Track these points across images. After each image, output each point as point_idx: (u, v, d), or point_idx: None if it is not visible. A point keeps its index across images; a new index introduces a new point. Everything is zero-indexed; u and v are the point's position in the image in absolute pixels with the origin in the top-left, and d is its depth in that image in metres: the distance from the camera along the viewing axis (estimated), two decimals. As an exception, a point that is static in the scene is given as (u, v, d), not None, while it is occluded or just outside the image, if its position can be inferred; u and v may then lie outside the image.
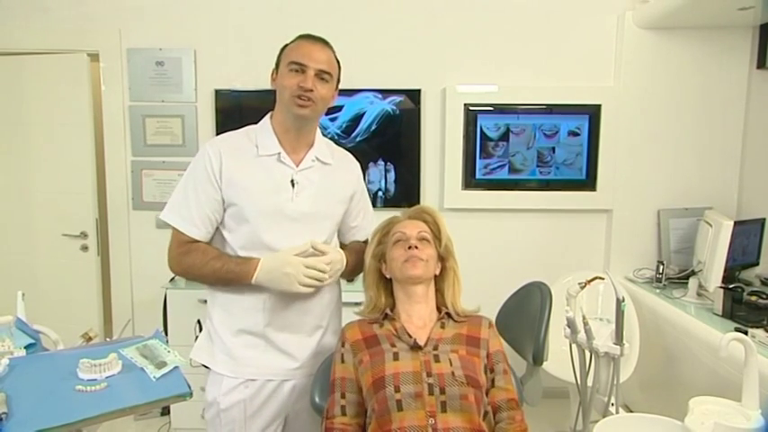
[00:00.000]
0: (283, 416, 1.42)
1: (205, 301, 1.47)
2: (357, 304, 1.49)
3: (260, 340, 1.36)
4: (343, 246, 1.53)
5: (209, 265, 1.32)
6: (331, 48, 1.36)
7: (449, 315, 1.36)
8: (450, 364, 1.23)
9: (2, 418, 0.92)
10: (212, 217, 1.34)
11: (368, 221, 1.55)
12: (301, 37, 1.35)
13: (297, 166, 1.36)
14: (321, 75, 1.30)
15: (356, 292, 1.54)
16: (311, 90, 1.28)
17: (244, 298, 1.34)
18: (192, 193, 1.33)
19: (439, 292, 1.41)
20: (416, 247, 1.34)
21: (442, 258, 1.41)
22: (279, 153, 1.35)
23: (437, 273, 1.40)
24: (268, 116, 1.40)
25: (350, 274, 1.48)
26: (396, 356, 1.25)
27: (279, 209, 1.32)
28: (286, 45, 1.36)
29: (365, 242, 1.53)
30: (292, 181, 1.34)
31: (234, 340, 1.36)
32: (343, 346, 1.34)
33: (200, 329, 1.49)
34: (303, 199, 1.35)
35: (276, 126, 1.36)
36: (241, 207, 1.31)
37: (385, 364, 1.24)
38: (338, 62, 1.38)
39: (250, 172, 1.33)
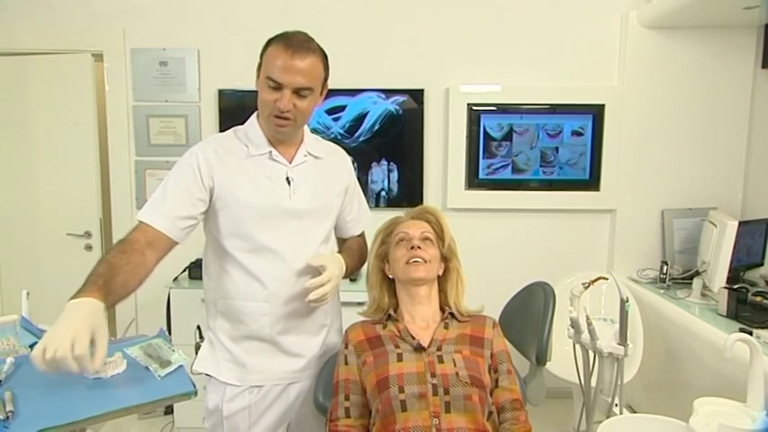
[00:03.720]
0: (287, 422, 1.40)
1: None
2: (360, 304, 1.49)
3: (266, 345, 1.33)
4: (341, 242, 1.50)
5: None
6: (313, 49, 1.24)
7: (452, 315, 1.36)
8: (454, 365, 1.23)
9: (8, 417, 0.92)
10: (183, 215, 1.24)
11: (363, 214, 1.52)
12: (280, 42, 1.23)
13: (290, 162, 1.33)
14: (299, 92, 1.23)
15: (358, 292, 1.54)
16: (288, 110, 1.23)
17: (245, 304, 1.31)
18: (171, 188, 1.25)
19: (442, 292, 1.40)
20: (419, 247, 1.33)
21: (446, 259, 1.41)
22: (270, 151, 1.31)
23: (440, 273, 1.40)
24: (254, 116, 1.36)
25: (349, 274, 1.45)
26: (400, 357, 1.25)
27: (277, 208, 1.29)
28: (268, 43, 1.26)
29: (360, 235, 1.51)
30: (287, 178, 1.32)
31: (239, 347, 1.33)
32: (346, 347, 1.34)
33: (200, 336, 1.46)
34: (301, 195, 1.32)
35: (264, 127, 1.33)
36: (238, 209, 1.27)
37: (389, 365, 1.24)
38: (325, 57, 1.28)
39: (243, 173, 1.29)
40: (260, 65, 1.29)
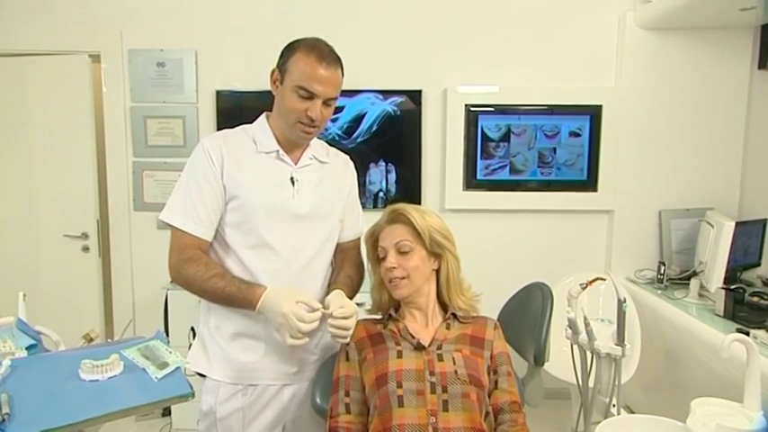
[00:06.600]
0: (282, 424, 1.39)
1: None
2: (359, 305, 1.48)
3: (260, 343, 1.33)
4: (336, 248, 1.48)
5: (210, 282, 1.25)
6: (339, 59, 1.29)
7: (455, 316, 1.36)
8: (454, 363, 1.23)
9: (4, 419, 0.92)
10: (217, 214, 1.30)
11: (357, 219, 1.50)
12: (312, 53, 1.25)
13: (295, 164, 1.35)
14: (327, 101, 1.28)
15: (359, 292, 1.53)
16: (318, 118, 1.27)
17: None
18: (195, 190, 1.28)
19: (439, 285, 1.37)
20: (394, 267, 1.30)
21: (435, 253, 1.35)
22: (278, 150, 1.33)
23: (435, 268, 1.36)
24: (264, 116, 1.38)
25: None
26: (400, 354, 1.25)
27: (280, 207, 1.31)
28: (293, 45, 1.28)
29: (352, 243, 1.49)
30: (292, 179, 1.33)
31: (232, 344, 1.33)
32: (348, 344, 1.33)
33: (195, 337, 1.46)
34: (303, 197, 1.33)
35: (275, 128, 1.35)
36: (243, 201, 1.29)
37: (388, 361, 1.24)
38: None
39: (250, 168, 1.31)
40: (282, 71, 1.29)
